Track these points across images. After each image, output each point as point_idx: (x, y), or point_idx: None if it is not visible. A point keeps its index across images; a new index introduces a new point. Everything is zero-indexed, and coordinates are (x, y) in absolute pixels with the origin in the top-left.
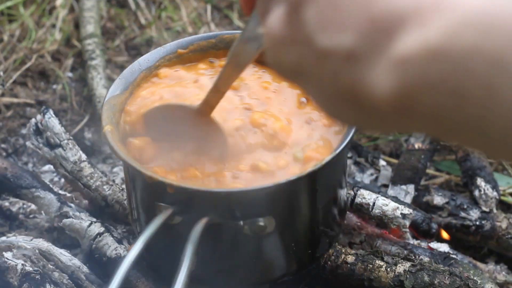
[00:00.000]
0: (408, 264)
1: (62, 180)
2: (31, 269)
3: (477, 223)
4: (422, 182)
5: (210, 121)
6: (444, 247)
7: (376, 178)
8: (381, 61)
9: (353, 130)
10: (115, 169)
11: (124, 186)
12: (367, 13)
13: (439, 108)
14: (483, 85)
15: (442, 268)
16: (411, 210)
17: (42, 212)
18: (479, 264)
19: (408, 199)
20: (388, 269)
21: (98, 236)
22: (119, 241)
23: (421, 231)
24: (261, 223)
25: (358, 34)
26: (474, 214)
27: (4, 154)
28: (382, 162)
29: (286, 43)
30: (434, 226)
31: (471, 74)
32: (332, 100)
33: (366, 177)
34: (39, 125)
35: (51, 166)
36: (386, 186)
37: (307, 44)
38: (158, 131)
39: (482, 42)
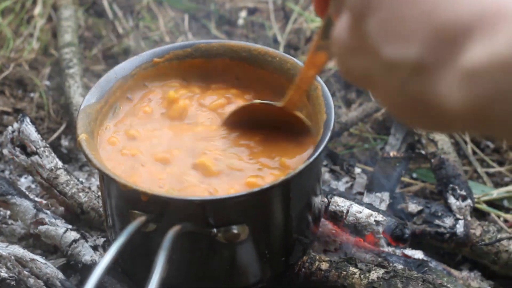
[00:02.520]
0: (381, 271)
1: (39, 187)
2: (6, 275)
3: (451, 230)
4: (397, 190)
5: (295, 116)
6: (418, 254)
7: (352, 185)
8: (449, 72)
9: (326, 139)
10: (91, 177)
11: (99, 193)
12: (431, 24)
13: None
14: None
15: (415, 275)
16: (384, 217)
17: (18, 219)
18: (453, 271)
19: (383, 207)
20: (362, 276)
21: (74, 243)
22: (95, 248)
23: (395, 237)
24: (235, 231)
25: (424, 46)
26: (449, 221)
27: None
28: (357, 170)
29: (352, 52)
30: (407, 231)
31: None
32: (400, 108)
33: (341, 185)
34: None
35: (28, 174)
36: (361, 193)
37: (373, 55)
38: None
39: None
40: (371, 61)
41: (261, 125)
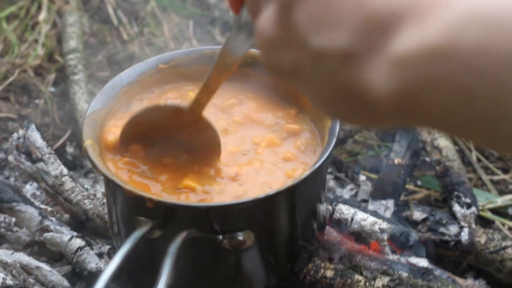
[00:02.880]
0: (386, 278)
1: (44, 194)
2: (12, 282)
3: (456, 238)
4: (402, 197)
5: (202, 120)
6: (423, 262)
7: (356, 193)
8: (378, 61)
9: (332, 146)
10: (96, 184)
11: (105, 200)
12: (361, 12)
13: (444, 106)
14: (492, 83)
15: (420, 283)
16: (389, 224)
17: (24, 226)
18: (458, 279)
19: (388, 214)
20: (367, 284)
21: (79, 250)
22: (100, 255)
23: (399, 244)
24: (240, 238)
25: (353, 34)
26: (453, 229)
27: None
28: (362, 177)
29: (279, 45)
30: (412, 239)
31: (478, 73)
32: (330, 100)
33: (346, 192)
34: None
35: (33, 181)
36: (366, 201)
37: (301, 46)
38: (147, 134)
39: (489, 40)
40: (299, 52)
41: (165, 135)
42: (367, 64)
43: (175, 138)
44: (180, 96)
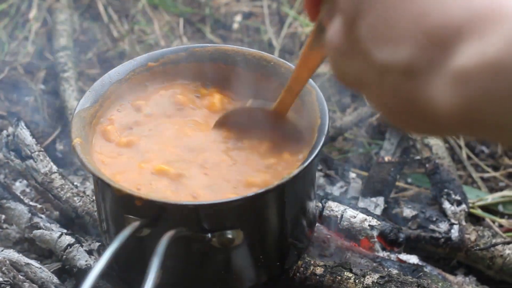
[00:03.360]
0: (376, 275)
1: (33, 191)
2: (1, 279)
3: (446, 235)
4: (392, 195)
5: (287, 121)
6: (413, 259)
7: (346, 190)
8: (440, 75)
9: (321, 144)
10: (86, 181)
11: (94, 197)
12: (421, 27)
13: (505, 119)
14: None
15: (410, 280)
16: (379, 221)
17: (13, 223)
18: (448, 276)
19: (378, 211)
20: (357, 281)
21: (69, 247)
22: (90, 252)
23: (389, 241)
24: (229, 236)
25: (414, 48)
26: (443, 226)
27: None
28: (352, 175)
29: (345, 55)
30: (402, 235)
31: None
32: (393, 111)
33: (336, 190)
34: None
35: (23, 178)
36: (356, 198)
37: (365, 58)
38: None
39: None
40: (364, 64)
41: (252, 130)
42: (429, 78)
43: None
44: (171, 94)
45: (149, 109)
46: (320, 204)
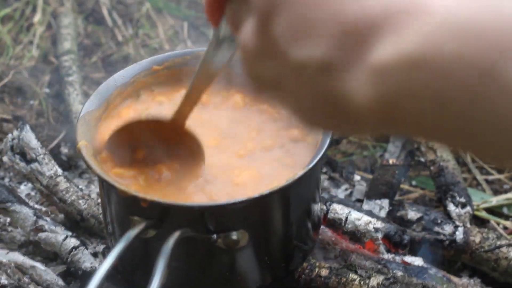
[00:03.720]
0: (381, 277)
1: (38, 194)
2: (6, 282)
3: (451, 237)
4: (397, 197)
5: (186, 132)
6: (418, 261)
7: (351, 193)
8: (357, 71)
9: (325, 146)
10: (91, 184)
11: (99, 200)
12: (337, 22)
13: (420, 114)
14: (469, 93)
15: (415, 282)
16: (383, 224)
17: (18, 226)
18: (452, 278)
19: (383, 214)
20: (362, 283)
21: (74, 250)
22: (95, 255)
23: (394, 243)
24: (234, 237)
25: (331, 45)
26: (448, 228)
27: None
28: (356, 177)
29: (260, 57)
30: (406, 237)
31: (455, 83)
32: (311, 111)
33: (340, 192)
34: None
35: (28, 181)
36: (360, 201)
37: (281, 57)
38: (127, 151)
39: (466, 50)
40: (279, 63)
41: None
42: (346, 74)
43: (160, 149)
44: (174, 98)
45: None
46: (324, 207)
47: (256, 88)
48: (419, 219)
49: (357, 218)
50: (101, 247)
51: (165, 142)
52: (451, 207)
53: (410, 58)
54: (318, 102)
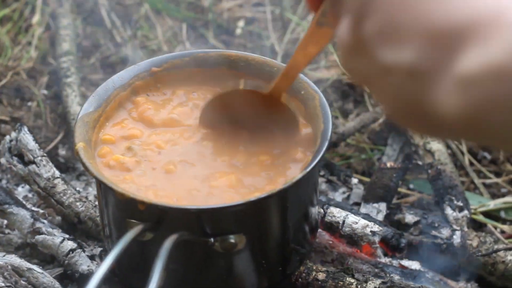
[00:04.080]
0: (378, 281)
1: (36, 196)
2: (3, 284)
3: (448, 241)
4: (394, 201)
5: (282, 105)
6: (415, 265)
7: (349, 196)
8: (444, 78)
9: (324, 149)
10: (88, 186)
11: (96, 203)
12: (426, 28)
13: (506, 126)
14: None
15: (412, 286)
16: (380, 227)
17: (15, 228)
18: (450, 281)
19: (380, 217)
20: (359, 286)
21: (71, 253)
22: (92, 258)
23: (391, 247)
24: (232, 240)
25: (419, 50)
26: (445, 232)
27: None
28: (354, 180)
29: (352, 52)
30: (404, 241)
31: None
32: (397, 111)
33: (338, 195)
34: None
35: (25, 183)
36: (358, 204)
37: (371, 57)
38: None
39: None
40: (369, 63)
41: (244, 118)
42: (433, 81)
43: (253, 121)
44: (173, 99)
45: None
46: (322, 210)
47: (350, 78)
48: (417, 223)
49: (354, 222)
50: (98, 250)
51: (260, 114)
52: (448, 210)
53: (497, 68)
54: (404, 104)
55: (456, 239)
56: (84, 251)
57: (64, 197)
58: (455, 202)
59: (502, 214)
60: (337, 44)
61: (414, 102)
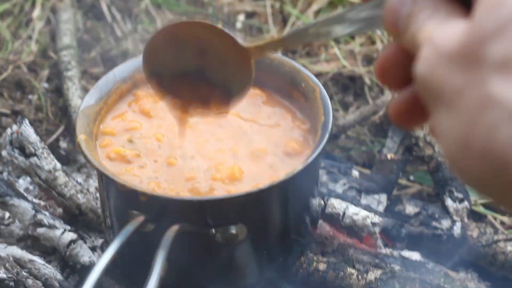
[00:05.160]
0: (379, 271)
1: (37, 188)
2: (5, 276)
3: (449, 232)
4: (395, 192)
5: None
6: (415, 256)
7: (349, 187)
8: None
9: (324, 141)
10: (89, 178)
11: (98, 194)
12: None
13: None
14: None
15: (412, 276)
16: (381, 218)
17: (17, 220)
18: (450, 272)
19: (381, 209)
20: (360, 277)
21: (72, 244)
22: (93, 249)
23: (391, 237)
24: (233, 231)
25: None
26: (446, 223)
27: None
28: (355, 172)
29: (452, 64)
30: (404, 231)
31: None
32: (469, 152)
33: (339, 187)
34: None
35: (26, 175)
36: (359, 195)
37: (477, 78)
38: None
39: None
40: (470, 83)
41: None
42: None
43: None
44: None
45: None
46: (322, 202)
47: (420, 86)
48: (417, 214)
49: (355, 213)
50: (99, 241)
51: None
52: (449, 202)
53: None
54: (486, 147)
55: (456, 230)
56: (85, 243)
57: (66, 189)
58: (456, 193)
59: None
60: (428, 46)
61: (503, 149)
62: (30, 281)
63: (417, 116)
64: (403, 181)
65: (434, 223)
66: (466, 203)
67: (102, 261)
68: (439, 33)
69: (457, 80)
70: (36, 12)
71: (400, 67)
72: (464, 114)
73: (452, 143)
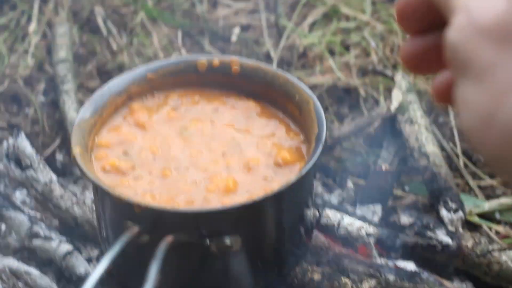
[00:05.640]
0: (373, 281)
1: (33, 201)
2: (1, 287)
3: (443, 242)
4: (390, 203)
5: None
6: (410, 266)
7: (344, 198)
8: None
9: (318, 152)
10: (85, 190)
11: (94, 206)
12: None
13: None
14: None
15: (407, 286)
16: (376, 229)
17: (13, 232)
18: (445, 282)
19: (376, 219)
20: (354, 287)
21: (68, 255)
22: (89, 260)
23: (386, 248)
24: (227, 242)
25: None
26: (441, 233)
27: None
28: (349, 183)
29: (487, 38)
30: (398, 241)
31: None
32: (491, 128)
33: (333, 198)
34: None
35: (23, 188)
36: (353, 206)
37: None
38: None
39: None
40: (499, 57)
41: None
42: None
43: None
44: (167, 105)
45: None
46: (317, 212)
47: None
48: (412, 224)
49: (350, 224)
50: (95, 253)
51: None
52: (443, 212)
53: None
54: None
55: (451, 240)
56: (81, 254)
57: (62, 201)
58: (450, 204)
59: (497, 215)
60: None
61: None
62: None
63: (431, 65)
64: (398, 192)
65: (429, 233)
66: (460, 213)
67: (97, 272)
68: (477, 3)
69: (491, 55)
70: (32, 27)
71: (421, 15)
72: (492, 90)
73: (475, 116)
